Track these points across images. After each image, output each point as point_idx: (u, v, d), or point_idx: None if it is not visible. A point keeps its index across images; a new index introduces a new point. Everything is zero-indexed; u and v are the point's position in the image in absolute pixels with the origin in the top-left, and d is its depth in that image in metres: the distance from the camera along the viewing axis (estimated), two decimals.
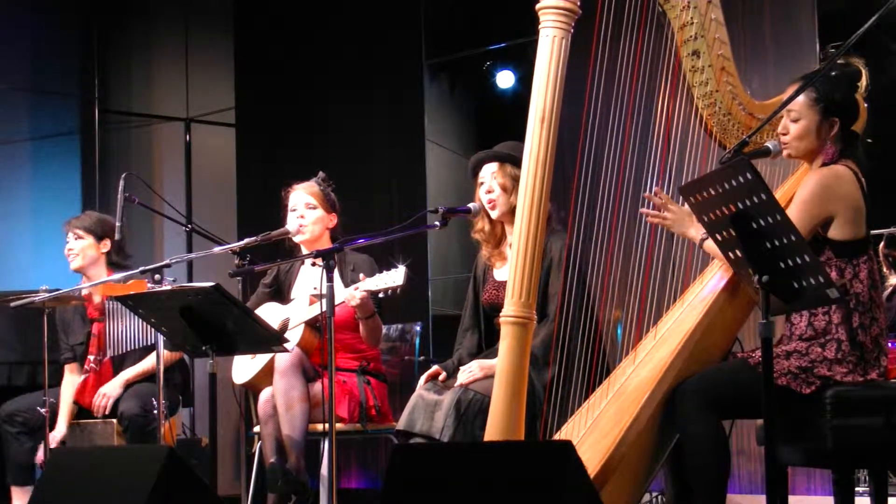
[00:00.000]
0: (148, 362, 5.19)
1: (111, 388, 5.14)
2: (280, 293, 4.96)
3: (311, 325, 4.71)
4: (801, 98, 3.49)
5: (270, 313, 4.80)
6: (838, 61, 3.51)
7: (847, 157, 3.55)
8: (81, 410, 5.26)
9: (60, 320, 5.37)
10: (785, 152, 3.60)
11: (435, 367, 4.31)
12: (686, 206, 3.66)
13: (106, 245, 5.30)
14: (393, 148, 7.07)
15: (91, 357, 5.21)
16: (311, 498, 4.59)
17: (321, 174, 4.96)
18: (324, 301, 3.99)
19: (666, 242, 3.78)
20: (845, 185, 3.48)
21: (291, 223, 4.82)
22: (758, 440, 3.64)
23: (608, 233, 3.73)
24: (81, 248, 5.29)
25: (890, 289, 5.18)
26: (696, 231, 3.66)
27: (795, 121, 3.55)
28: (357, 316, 4.62)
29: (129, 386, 5.17)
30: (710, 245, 3.58)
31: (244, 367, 4.80)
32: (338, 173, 5.10)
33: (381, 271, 4.35)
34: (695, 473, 3.50)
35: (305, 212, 4.84)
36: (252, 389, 4.83)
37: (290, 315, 4.74)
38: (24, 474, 5.24)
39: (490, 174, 4.30)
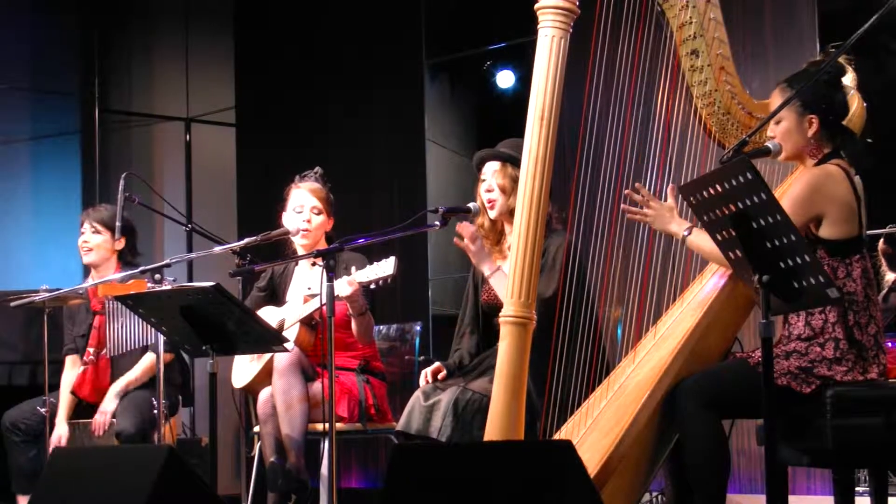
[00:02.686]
0: (139, 368, 5.17)
1: (108, 404, 5.08)
2: (275, 296, 4.96)
3: (307, 323, 4.71)
4: (781, 101, 3.51)
5: (266, 316, 4.79)
6: (816, 59, 3.53)
7: (838, 155, 3.55)
8: (80, 408, 5.25)
9: (67, 310, 5.37)
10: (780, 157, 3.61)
11: (437, 364, 4.31)
12: (668, 201, 3.70)
13: (121, 243, 5.28)
14: (393, 148, 7.08)
15: (91, 350, 5.20)
16: (311, 497, 4.59)
17: (319, 170, 4.93)
18: (320, 299, 3.99)
19: (666, 240, 3.78)
20: (835, 185, 3.48)
21: (293, 222, 4.80)
22: (758, 440, 3.64)
23: (608, 231, 3.73)
24: (97, 243, 5.28)
25: (887, 287, 5.17)
26: (677, 226, 3.68)
27: (778, 123, 3.57)
28: (349, 313, 4.61)
29: (126, 394, 5.14)
30: (693, 240, 3.63)
31: (243, 371, 4.80)
32: (338, 173, 5.10)
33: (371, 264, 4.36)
34: (695, 473, 3.50)
35: (311, 216, 4.82)
36: (251, 392, 4.83)
37: (286, 316, 4.74)
38: (29, 482, 5.21)
39: (492, 173, 4.30)
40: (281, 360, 4.52)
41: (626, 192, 3.75)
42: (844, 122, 3.62)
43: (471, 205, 4.24)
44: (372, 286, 4.35)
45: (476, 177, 4.39)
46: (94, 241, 5.26)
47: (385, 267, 4.26)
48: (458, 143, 7.39)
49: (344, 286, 4.43)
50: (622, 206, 3.75)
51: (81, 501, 3.40)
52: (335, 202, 4.93)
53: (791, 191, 3.50)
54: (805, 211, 3.45)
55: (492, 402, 3.59)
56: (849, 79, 3.69)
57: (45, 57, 7.50)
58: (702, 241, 3.57)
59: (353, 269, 4.43)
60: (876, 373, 3.48)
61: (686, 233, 3.65)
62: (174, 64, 8.02)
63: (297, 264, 4.93)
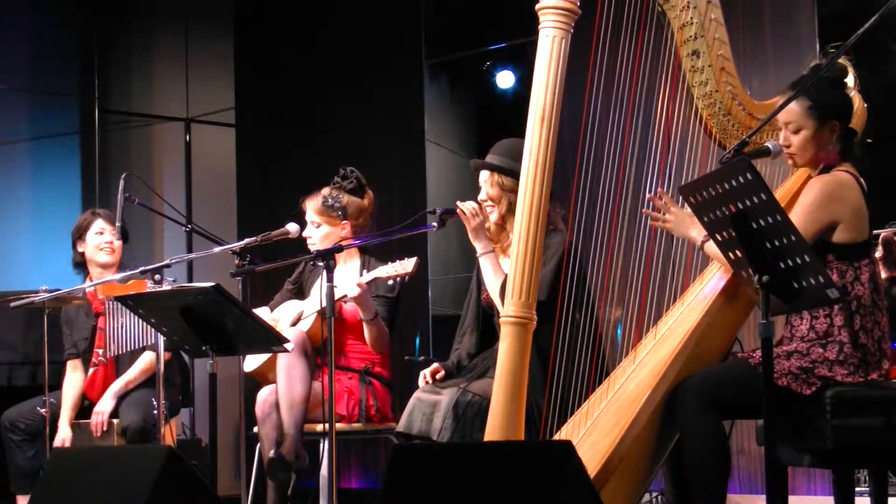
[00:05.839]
0: (136, 369, 5.18)
1: (105, 405, 5.10)
2: (302, 291, 5.02)
3: (324, 314, 4.75)
4: (796, 109, 3.50)
5: (288, 308, 4.91)
6: (819, 62, 3.53)
7: (846, 158, 3.55)
8: (81, 409, 5.25)
9: (65, 314, 5.38)
10: (789, 162, 3.60)
11: (435, 365, 4.32)
12: (686, 207, 3.68)
13: (120, 245, 5.33)
14: (393, 148, 7.07)
15: (99, 351, 5.21)
16: (311, 497, 4.59)
17: (343, 171, 4.96)
18: (334, 295, 4.04)
19: (666, 242, 3.78)
20: (848, 191, 3.49)
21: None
22: (758, 440, 3.64)
23: (608, 232, 3.73)
24: (118, 247, 5.33)
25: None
26: (697, 233, 3.65)
27: (797, 132, 3.55)
28: (360, 317, 4.65)
29: (126, 394, 5.15)
30: (711, 247, 3.57)
31: (254, 356, 4.84)
32: (337, 173, 5.10)
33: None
34: (695, 473, 3.50)
35: (312, 231, 4.89)
36: (260, 378, 4.85)
37: (305, 308, 4.82)
38: (28, 482, 5.21)
39: (484, 181, 4.33)
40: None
41: (649, 196, 3.74)
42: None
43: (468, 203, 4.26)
44: (390, 282, 4.44)
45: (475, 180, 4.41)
46: (116, 245, 5.32)
47: (406, 265, 4.33)
48: (458, 143, 7.39)
49: (352, 286, 4.48)
50: (643, 210, 3.75)
51: (81, 501, 3.41)
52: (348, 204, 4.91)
53: (804, 198, 3.49)
54: (821, 218, 3.45)
55: (492, 403, 3.59)
56: (850, 79, 3.69)
57: (45, 57, 7.50)
58: None
59: (365, 272, 4.47)
60: (877, 376, 3.48)
61: (704, 239, 3.62)
62: (174, 64, 8.01)
63: None
